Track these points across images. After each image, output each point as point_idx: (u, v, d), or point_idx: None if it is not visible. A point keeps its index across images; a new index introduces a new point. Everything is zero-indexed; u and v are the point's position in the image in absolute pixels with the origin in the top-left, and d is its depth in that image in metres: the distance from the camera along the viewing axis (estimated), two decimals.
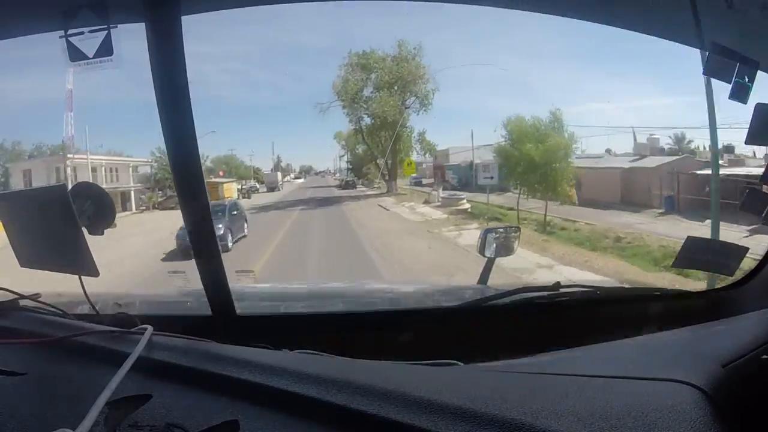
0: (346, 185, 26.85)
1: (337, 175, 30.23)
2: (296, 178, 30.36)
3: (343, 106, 22.75)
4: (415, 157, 24.41)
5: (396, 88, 21.38)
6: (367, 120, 23.42)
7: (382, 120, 22.25)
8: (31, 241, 1.31)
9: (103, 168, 18.96)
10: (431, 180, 25.30)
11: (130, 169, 20.72)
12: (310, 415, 0.78)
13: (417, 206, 19.17)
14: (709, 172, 12.99)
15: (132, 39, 1.24)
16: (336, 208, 20.45)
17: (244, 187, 25.30)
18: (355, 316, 1.54)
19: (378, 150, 24.41)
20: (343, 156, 28.97)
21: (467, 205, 17.93)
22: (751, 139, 1.50)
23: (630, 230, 12.44)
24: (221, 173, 24.40)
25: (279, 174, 27.98)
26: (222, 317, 1.34)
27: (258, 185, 26.40)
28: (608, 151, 20.09)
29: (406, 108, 22.06)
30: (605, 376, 0.88)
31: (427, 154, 24.52)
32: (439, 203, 19.41)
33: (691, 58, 1.54)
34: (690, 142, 17.19)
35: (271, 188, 26.49)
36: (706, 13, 1.43)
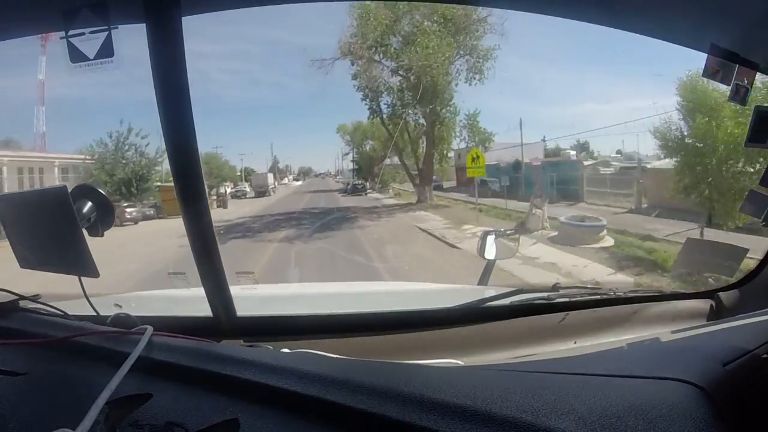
0: (353, 190, 21.04)
1: (339, 177, 25.91)
2: (295, 179, 27.78)
3: (355, 75, 15.95)
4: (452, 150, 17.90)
5: (447, 29, 14.44)
6: (387, 99, 16.39)
7: (417, 88, 15.05)
8: (31, 243, 1.31)
9: (5, 168, 14.60)
10: (452, 183, 20.11)
11: (56, 169, 16.46)
12: (310, 414, 0.78)
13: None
14: None
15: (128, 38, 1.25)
16: (346, 237, 12.02)
17: (233, 189, 21.37)
18: (354, 317, 1.54)
19: (403, 140, 17.20)
20: (347, 154, 23.22)
21: (610, 241, 10.03)
22: (750, 141, 1.51)
23: None
24: None
25: (270, 176, 23.66)
26: (222, 318, 1.34)
27: (248, 189, 22.61)
28: (619, 152, 17.49)
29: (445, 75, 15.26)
30: (605, 375, 0.88)
31: (480, 146, 16.72)
32: (549, 229, 11.06)
33: (692, 59, 1.47)
34: None
35: (260, 193, 22.02)
36: (706, 15, 1.43)
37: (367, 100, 16.82)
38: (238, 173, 23.73)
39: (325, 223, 14.39)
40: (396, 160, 19.55)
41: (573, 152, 18.32)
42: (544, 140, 18.60)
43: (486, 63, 15.28)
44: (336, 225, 14.20)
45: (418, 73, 15.21)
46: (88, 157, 16.67)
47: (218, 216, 16.21)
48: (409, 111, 16.61)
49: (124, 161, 16.77)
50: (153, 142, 16.87)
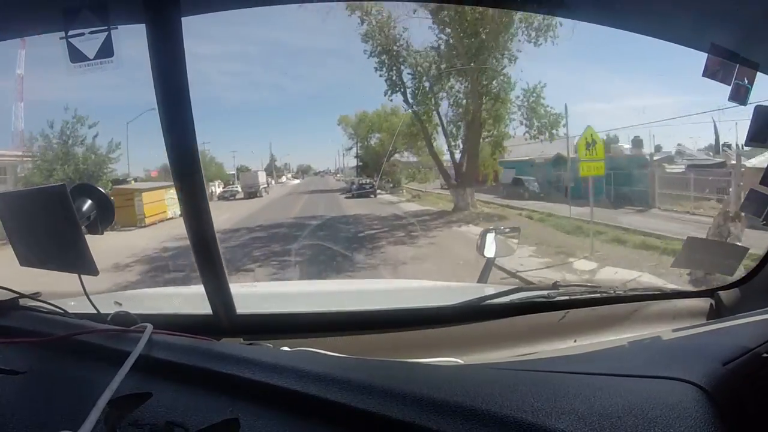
0: (359, 190, 17.23)
1: (340, 175, 23.38)
2: (294, 177, 26.40)
3: (367, 35, 12.08)
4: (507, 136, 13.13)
5: None
6: (409, 72, 12.26)
7: (470, 41, 10.95)
8: (31, 241, 1.32)
9: None
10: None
11: None
12: (310, 413, 0.78)
13: None
14: None
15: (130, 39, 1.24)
16: None
17: (223, 189, 18.96)
18: (354, 315, 1.55)
19: (431, 124, 13.08)
20: (350, 149, 19.77)
21: None
22: (750, 140, 1.51)
23: None
24: (154, 173, 15.85)
25: (262, 174, 20.89)
26: (222, 316, 1.34)
27: (239, 189, 19.93)
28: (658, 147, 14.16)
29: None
30: (605, 374, 0.88)
31: (547, 133, 12.49)
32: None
33: (692, 56, 1.47)
34: None
35: (250, 193, 19.34)
36: (707, 15, 1.43)
37: (384, 69, 12.45)
38: (233, 172, 21.31)
39: (325, 252, 8.64)
40: (407, 155, 16.15)
41: (627, 146, 15.04)
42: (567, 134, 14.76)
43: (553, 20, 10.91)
44: (345, 260, 8.53)
45: (476, 22, 10.88)
46: (27, 154, 13.75)
47: (178, 231, 9.22)
48: (449, 80, 12.05)
49: (67, 158, 13.65)
50: (104, 133, 14.40)
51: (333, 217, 12.92)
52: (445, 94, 12.85)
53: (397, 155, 16.76)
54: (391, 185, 17.76)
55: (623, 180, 13.12)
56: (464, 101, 12.85)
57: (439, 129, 13.57)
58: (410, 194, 17.04)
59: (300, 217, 12.98)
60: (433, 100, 12.81)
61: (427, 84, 12.67)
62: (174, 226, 11.66)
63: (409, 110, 13.52)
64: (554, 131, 12.46)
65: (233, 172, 21.36)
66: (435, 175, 15.74)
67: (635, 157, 14.14)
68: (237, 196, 19.21)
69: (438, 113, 12.99)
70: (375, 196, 16.82)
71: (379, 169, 17.14)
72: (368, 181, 17.65)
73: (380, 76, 12.64)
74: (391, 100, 13.54)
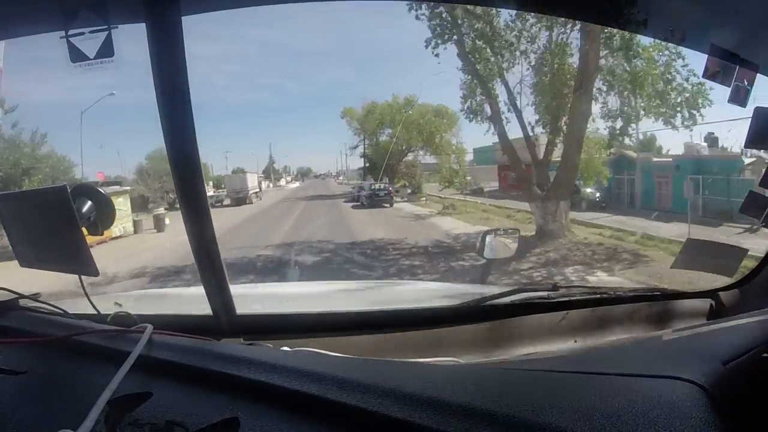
0: (373, 197, 13.56)
1: (342, 178, 21.30)
2: (294, 180, 25.32)
3: None
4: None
5: None
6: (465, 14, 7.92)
7: None
8: (31, 241, 1.32)
9: None
10: (493, 187, 11.92)
11: None
12: (309, 413, 0.79)
13: None
14: None
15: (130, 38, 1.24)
16: None
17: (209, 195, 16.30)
18: (354, 315, 1.54)
19: (491, 84, 8.62)
20: (356, 147, 16.81)
21: None
22: (750, 143, 1.51)
23: None
24: (99, 175, 13.12)
25: (253, 177, 17.77)
26: (222, 316, 1.34)
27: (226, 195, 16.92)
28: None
29: None
30: (605, 374, 0.88)
31: (685, 113, 8.28)
32: None
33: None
34: None
35: (238, 199, 16.41)
36: (707, 16, 1.43)
37: (425, 7, 8.41)
38: (223, 175, 18.43)
39: None
40: (422, 154, 12.45)
41: (704, 144, 11.68)
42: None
43: None
44: None
45: None
46: None
47: (115, 258, 8.18)
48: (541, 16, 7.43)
49: None
50: (23, 121, 10.63)
51: (339, 246, 8.86)
52: (528, 42, 8.03)
53: (410, 155, 13.63)
54: (410, 191, 14.35)
55: (716, 188, 10.02)
56: (558, 58, 8.19)
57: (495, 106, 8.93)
58: (438, 203, 13.08)
59: (287, 245, 9.08)
60: (504, 55, 8.18)
61: (497, 22, 7.95)
62: (118, 248, 8.70)
63: (417, 100, 10.03)
64: (694, 112, 8.29)
65: (222, 176, 18.76)
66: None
67: (726, 158, 10.97)
68: (225, 203, 16.42)
69: (505, 82, 8.39)
70: (390, 203, 13.51)
71: (391, 169, 13.74)
72: (383, 186, 14.04)
73: (417, 18, 8.56)
74: (437, 55, 8.87)
